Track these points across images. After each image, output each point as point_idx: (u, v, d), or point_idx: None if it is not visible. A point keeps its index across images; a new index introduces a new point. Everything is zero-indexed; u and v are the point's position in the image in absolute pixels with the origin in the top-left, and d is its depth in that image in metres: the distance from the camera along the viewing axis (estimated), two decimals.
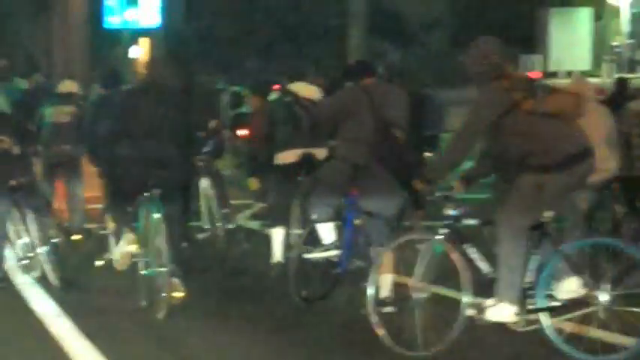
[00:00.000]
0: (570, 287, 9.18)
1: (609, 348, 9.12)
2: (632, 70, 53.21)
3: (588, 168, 9.16)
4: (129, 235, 12.37)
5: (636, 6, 60.42)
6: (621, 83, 19.67)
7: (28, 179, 13.15)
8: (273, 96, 14.26)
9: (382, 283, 10.19)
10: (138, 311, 11.47)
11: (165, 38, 50.33)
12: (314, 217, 11.09)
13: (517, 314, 9.03)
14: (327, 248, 10.97)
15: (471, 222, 9.65)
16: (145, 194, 11.11)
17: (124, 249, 12.80)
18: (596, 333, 9.18)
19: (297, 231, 12.60)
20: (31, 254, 13.25)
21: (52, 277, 12.77)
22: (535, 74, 8.68)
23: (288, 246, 12.75)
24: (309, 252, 11.12)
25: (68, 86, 16.60)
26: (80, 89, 17.71)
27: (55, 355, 9.85)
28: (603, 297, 8.89)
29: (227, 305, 12.07)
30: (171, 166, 11.23)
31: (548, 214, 9.08)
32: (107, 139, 12.46)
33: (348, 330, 10.49)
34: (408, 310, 9.59)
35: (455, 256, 9.33)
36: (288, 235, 12.89)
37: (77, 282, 13.11)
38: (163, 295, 10.99)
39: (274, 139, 13.03)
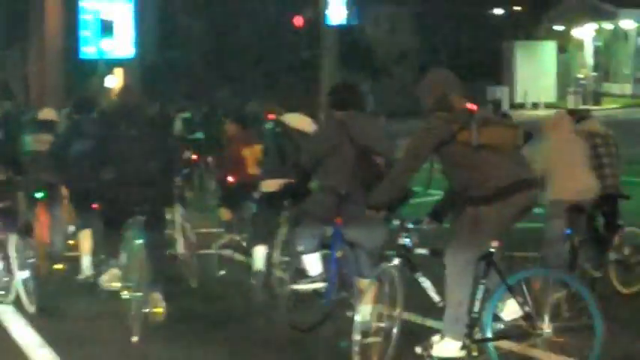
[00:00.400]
0: (513, 315, 9.07)
1: None
2: (596, 101, 53.89)
3: (525, 198, 8.84)
4: (118, 261, 11.95)
5: (599, 39, 61.04)
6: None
7: (10, 203, 13.06)
8: (268, 125, 14.17)
9: (366, 313, 9.75)
10: (120, 339, 10.92)
11: (139, 68, 50.45)
12: (300, 248, 10.88)
13: (462, 348, 8.86)
14: (314, 280, 10.81)
15: (422, 251, 9.46)
16: (130, 220, 11.12)
17: (112, 272, 12.38)
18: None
19: (280, 257, 12.55)
20: (6, 279, 12.92)
21: (28, 304, 12.47)
22: (472, 106, 8.54)
23: (269, 264, 12.63)
24: (297, 283, 10.99)
25: (47, 114, 16.41)
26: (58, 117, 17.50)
27: None
28: (545, 327, 8.75)
29: (211, 331, 11.76)
30: (155, 187, 11.37)
31: (494, 244, 8.86)
32: (81, 161, 12.81)
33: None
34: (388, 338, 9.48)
35: (398, 284, 9.36)
36: (269, 255, 12.72)
37: (56, 309, 12.69)
38: (146, 310, 11.00)
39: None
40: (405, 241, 9.37)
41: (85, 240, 14.03)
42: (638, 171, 22.89)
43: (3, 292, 12.93)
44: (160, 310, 11.24)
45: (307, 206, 11.02)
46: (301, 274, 10.98)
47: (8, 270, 12.76)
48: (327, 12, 30.23)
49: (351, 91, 11.45)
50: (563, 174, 11.98)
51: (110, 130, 12.01)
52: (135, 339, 10.88)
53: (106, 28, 40.79)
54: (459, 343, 8.86)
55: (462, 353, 8.86)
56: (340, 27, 29.78)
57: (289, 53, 55.62)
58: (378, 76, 58.59)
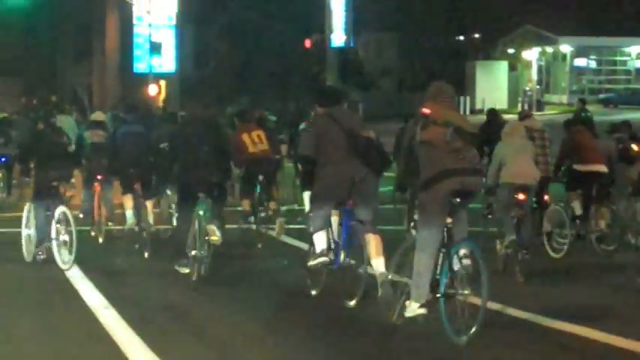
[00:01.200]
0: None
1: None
2: (539, 109, 54.17)
3: (453, 184, 8.58)
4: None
5: (542, 60, 62.15)
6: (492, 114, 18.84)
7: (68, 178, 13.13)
8: (302, 126, 14.30)
9: (379, 263, 9.84)
10: (178, 305, 10.51)
11: (178, 81, 51.53)
12: (310, 229, 10.29)
13: (420, 307, 8.68)
14: (321, 254, 10.11)
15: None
16: (200, 195, 11.23)
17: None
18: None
19: None
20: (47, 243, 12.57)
21: (64, 258, 12.22)
22: (425, 110, 8.53)
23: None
24: (309, 261, 10.33)
25: (99, 116, 17.24)
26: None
27: (105, 346, 8.74)
28: (464, 289, 8.66)
29: (248, 291, 11.36)
30: (214, 177, 11.52)
31: (449, 221, 8.70)
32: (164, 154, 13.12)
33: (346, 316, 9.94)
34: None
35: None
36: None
37: (117, 273, 12.59)
38: (206, 238, 11.06)
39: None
40: None
41: (128, 200, 14.06)
42: None
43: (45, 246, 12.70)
44: (215, 238, 11.05)
45: (318, 191, 10.41)
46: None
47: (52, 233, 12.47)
48: (330, 37, 31.32)
49: (333, 92, 11.52)
50: (512, 165, 11.93)
51: (185, 132, 11.97)
52: (194, 284, 10.99)
53: (155, 48, 41.34)
54: (417, 304, 8.74)
55: (422, 311, 8.71)
56: (339, 48, 31.02)
57: (300, 69, 56.23)
58: (366, 88, 59.19)
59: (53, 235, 12.33)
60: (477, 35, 68.65)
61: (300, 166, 13.56)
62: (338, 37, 31.35)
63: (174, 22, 48.35)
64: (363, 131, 10.17)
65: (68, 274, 12.00)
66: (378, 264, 9.88)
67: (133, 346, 8.65)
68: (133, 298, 10.95)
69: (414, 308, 8.81)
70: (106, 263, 13.10)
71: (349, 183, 9.91)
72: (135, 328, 9.19)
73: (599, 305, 10.57)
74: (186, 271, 11.05)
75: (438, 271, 8.72)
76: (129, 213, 14.05)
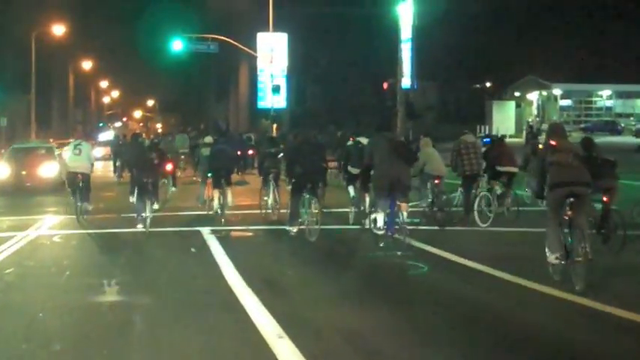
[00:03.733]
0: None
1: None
2: (538, 135, 53.18)
3: (564, 191, 8.04)
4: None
5: (540, 100, 61.43)
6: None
7: (154, 180, 13.29)
8: (349, 143, 14.28)
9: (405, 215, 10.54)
10: (354, 329, 6.59)
11: (288, 114, 52.16)
12: (376, 209, 10.76)
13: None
14: (379, 228, 10.53)
15: None
16: (307, 187, 11.71)
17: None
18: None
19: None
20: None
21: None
22: (553, 143, 8.03)
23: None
24: (375, 230, 10.78)
25: (209, 139, 17.12)
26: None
27: None
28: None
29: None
30: (319, 175, 12.07)
31: (569, 212, 8.10)
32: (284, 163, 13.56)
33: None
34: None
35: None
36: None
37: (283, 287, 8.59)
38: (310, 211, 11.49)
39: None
40: None
41: (216, 194, 14.02)
42: None
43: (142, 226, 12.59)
44: (317, 211, 11.35)
45: (376, 184, 10.81)
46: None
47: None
48: (401, 81, 31.76)
49: (385, 122, 12.92)
50: (432, 163, 13.08)
51: (299, 148, 12.24)
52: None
53: (275, 90, 41.81)
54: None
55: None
56: (405, 89, 31.40)
57: (378, 105, 56.58)
58: (415, 119, 59.12)
59: (144, 213, 12.56)
60: (488, 84, 67.59)
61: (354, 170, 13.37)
62: (405, 82, 31.68)
63: (285, 72, 49.26)
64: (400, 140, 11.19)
65: (231, 282, 8.35)
66: (403, 216, 10.46)
67: None
68: (304, 320, 6.86)
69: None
70: (259, 264, 9.81)
71: (394, 179, 10.39)
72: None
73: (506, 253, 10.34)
74: (295, 231, 11.62)
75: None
76: (215, 202, 14.13)
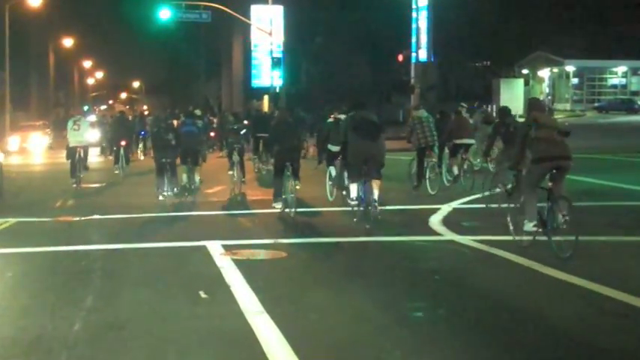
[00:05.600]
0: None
1: None
2: (551, 114, 50.78)
3: (550, 164, 8.43)
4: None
5: (551, 78, 58.34)
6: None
7: (172, 160, 14.18)
8: (329, 120, 14.61)
9: (376, 194, 10.76)
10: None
11: (284, 92, 48.95)
12: (349, 180, 11.53)
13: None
14: (354, 200, 11.12)
15: None
16: (287, 164, 12.07)
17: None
18: None
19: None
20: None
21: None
22: (537, 118, 7.96)
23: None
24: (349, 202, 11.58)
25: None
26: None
27: None
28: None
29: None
30: (296, 152, 12.55)
31: (549, 184, 8.50)
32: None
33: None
34: None
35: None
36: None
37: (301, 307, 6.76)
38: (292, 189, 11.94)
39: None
40: None
41: (183, 172, 14.76)
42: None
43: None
44: (297, 187, 12.02)
45: (350, 160, 11.11)
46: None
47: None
48: (416, 53, 28.58)
49: (362, 101, 11.91)
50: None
51: (277, 128, 12.68)
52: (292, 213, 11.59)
53: (275, 64, 38.48)
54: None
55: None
56: (422, 62, 28.22)
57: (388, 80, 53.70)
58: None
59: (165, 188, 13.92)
60: (488, 63, 64.57)
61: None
62: (422, 54, 28.50)
63: (282, 48, 45.72)
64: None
65: (243, 307, 6.42)
66: (375, 194, 10.68)
67: None
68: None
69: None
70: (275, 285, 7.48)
71: (368, 155, 10.71)
72: None
73: None
74: (279, 206, 12.08)
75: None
76: (184, 177, 14.83)
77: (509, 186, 10.21)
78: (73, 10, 55.99)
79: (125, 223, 11.81)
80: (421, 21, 28.58)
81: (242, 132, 16.26)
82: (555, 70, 57.83)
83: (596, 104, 56.08)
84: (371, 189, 10.55)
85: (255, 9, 43.55)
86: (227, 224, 11.70)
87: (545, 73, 58.06)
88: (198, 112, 19.68)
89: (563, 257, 7.82)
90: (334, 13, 56.25)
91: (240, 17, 35.48)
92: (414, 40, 27.46)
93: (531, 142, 8.33)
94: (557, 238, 8.05)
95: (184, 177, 14.66)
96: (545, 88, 57.93)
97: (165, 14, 33.58)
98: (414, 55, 28.53)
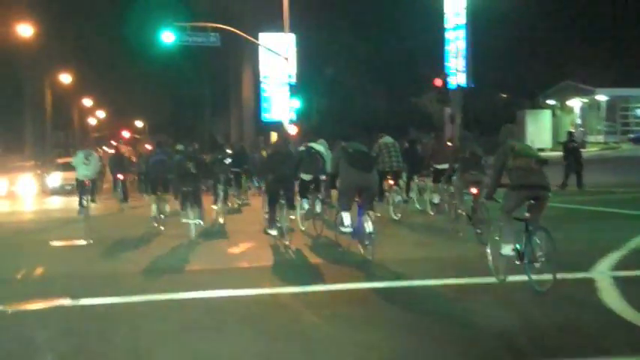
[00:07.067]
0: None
1: None
2: (582, 147, 47.29)
3: (527, 192, 8.15)
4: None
5: (583, 108, 54.73)
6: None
7: (195, 189, 13.94)
8: (301, 148, 14.36)
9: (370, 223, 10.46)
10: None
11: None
12: (339, 207, 11.20)
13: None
14: (347, 227, 10.86)
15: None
16: (281, 192, 11.96)
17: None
18: None
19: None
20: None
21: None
22: (514, 146, 8.39)
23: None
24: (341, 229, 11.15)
25: (180, 147, 18.78)
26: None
27: None
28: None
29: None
30: (289, 182, 12.27)
31: (527, 215, 8.14)
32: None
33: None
34: None
35: None
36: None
37: None
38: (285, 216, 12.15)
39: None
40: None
41: (153, 201, 15.59)
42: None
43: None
44: (292, 217, 12.91)
45: (342, 190, 10.94)
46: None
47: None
48: (456, 78, 25.12)
49: (354, 133, 12.91)
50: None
51: (271, 157, 12.61)
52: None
53: (294, 92, 35.23)
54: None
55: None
56: (461, 88, 24.77)
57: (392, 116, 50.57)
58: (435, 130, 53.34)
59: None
60: (504, 95, 61.17)
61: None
62: (460, 79, 25.04)
63: (294, 79, 42.49)
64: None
65: None
66: (371, 226, 10.29)
67: None
68: None
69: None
70: None
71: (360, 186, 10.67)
72: None
73: None
74: (275, 233, 11.94)
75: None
76: (153, 207, 15.46)
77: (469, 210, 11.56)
78: (71, 44, 52.94)
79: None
80: (455, 42, 25.12)
81: (227, 161, 16.80)
82: (585, 99, 54.14)
83: (630, 135, 52.44)
84: (367, 220, 10.43)
85: (263, 37, 40.29)
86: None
87: (574, 103, 54.36)
88: (180, 147, 19.91)
89: (540, 291, 7.59)
90: (347, 44, 53.46)
91: (253, 40, 32.03)
92: (450, 63, 23.99)
93: (509, 171, 8.20)
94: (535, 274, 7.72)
95: (153, 207, 15.19)
96: (577, 119, 54.14)
97: (168, 37, 30.02)
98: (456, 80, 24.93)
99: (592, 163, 23.36)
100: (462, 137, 12.86)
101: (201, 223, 13.61)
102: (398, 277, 8.90)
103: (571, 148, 22.57)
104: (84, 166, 17.30)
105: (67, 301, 8.00)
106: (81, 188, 17.46)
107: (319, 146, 13.53)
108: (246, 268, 10.15)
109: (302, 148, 14.11)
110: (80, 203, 17.44)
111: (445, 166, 14.26)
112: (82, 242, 13.70)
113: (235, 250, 11.79)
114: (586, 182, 21.48)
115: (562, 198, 17.23)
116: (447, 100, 25.59)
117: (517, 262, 8.01)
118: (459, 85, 25.08)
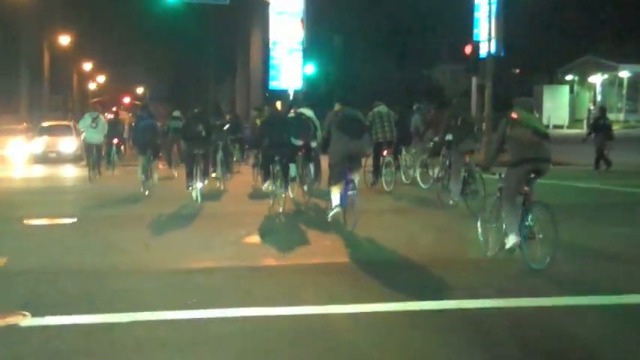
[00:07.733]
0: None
1: None
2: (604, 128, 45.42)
3: (526, 167, 7.89)
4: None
5: (604, 84, 52.60)
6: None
7: (206, 152, 14.30)
8: (290, 115, 14.27)
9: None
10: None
11: (302, 95, 44.12)
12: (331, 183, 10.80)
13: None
14: (336, 206, 10.51)
15: None
16: (276, 158, 12.33)
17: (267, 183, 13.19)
18: None
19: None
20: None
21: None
22: (514, 115, 8.00)
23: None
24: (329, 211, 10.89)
25: (177, 113, 20.22)
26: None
27: None
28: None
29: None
30: (286, 148, 12.53)
31: (526, 189, 8.02)
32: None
33: None
34: None
35: None
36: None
37: None
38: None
39: None
40: None
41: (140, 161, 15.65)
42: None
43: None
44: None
45: (332, 159, 10.71)
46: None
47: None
48: (489, 44, 23.32)
49: (347, 96, 11.51)
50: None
51: (267, 122, 12.90)
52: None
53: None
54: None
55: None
56: (492, 56, 22.90)
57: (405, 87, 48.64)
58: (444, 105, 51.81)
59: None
60: (517, 70, 59.02)
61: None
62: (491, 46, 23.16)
63: (303, 44, 40.37)
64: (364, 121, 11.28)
65: None
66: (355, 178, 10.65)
67: None
68: None
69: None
70: None
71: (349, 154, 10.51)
72: None
73: None
74: (270, 187, 12.50)
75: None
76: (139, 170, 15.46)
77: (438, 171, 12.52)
78: (70, 5, 50.76)
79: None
80: (483, 8, 23.24)
81: (224, 127, 16.88)
82: (606, 76, 51.98)
83: None
84: (352, 190, 10.41)
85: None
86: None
87: (596, 79, 52.20)
88: (177, 113, 19.71)
89: (538, 269, 7.40)
90: (357, 11, 51.40)
91: None
92: (479, 30, 22.14)
93: (507, 141, 7.91)
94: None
95: (139, 171, 15.09)
96: (598, 95, 52.01)
97: None
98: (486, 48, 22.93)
99: (618, 142, 22.17)
100: (454, 104, 12.51)
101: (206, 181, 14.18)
102: (378, 251, 8.95)
103: (602, 125, 21.10)
104: (91, 130, 17.23)
105: (24, 320, 5.79)
106: (90, 153, 17.21)
107: (309, 112, 13.56)
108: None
109: (291, 114, 14.06)
110: (91, 168, 17.13)
111: (449, 137, 13.51)
112: (66, 220, 11.39)
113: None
114: (602, 164, 20.84)
115: (614, 181, 16.03)
116: (478, 70, 23.71)
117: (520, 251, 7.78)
118: (489, 53, 23.11)
